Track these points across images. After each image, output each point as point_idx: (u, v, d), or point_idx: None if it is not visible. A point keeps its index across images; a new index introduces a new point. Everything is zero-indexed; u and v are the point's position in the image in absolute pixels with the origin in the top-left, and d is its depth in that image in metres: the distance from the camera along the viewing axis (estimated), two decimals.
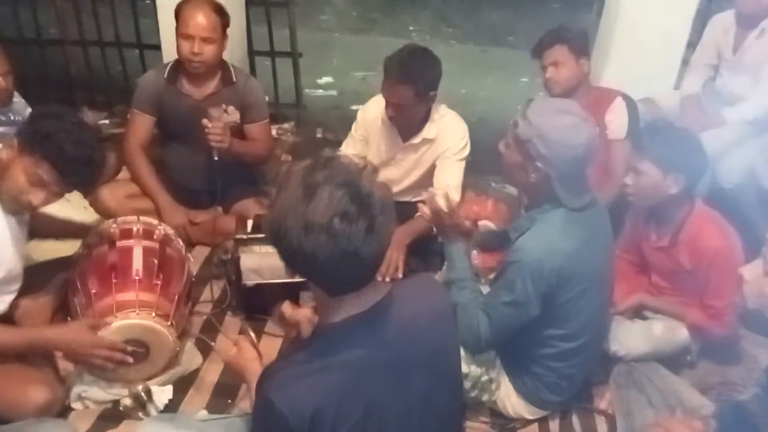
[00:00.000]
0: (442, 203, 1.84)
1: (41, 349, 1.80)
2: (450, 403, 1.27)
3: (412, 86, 2.20)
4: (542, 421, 1.91)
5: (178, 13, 2.40)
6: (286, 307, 1.48)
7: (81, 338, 1.73)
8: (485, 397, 1.84)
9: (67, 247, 2.26)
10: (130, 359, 1.80)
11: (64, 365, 1.89)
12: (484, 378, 1.81)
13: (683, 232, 1.95)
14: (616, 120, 2.42)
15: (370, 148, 2.56)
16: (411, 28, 6.12)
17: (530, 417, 1.89)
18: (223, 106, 2.51)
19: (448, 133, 2.41)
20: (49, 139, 1.64)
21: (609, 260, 1.82)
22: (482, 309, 1.68)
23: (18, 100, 2.60)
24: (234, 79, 2.56)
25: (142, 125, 2.59)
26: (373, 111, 2.49)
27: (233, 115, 2.54)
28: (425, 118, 2.39)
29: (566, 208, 1.63)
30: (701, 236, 1.91)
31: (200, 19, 2.35)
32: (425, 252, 2.42)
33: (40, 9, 3.79)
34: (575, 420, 1.93)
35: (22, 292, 1.97)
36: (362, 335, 1.11)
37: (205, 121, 2.36)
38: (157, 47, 3.68)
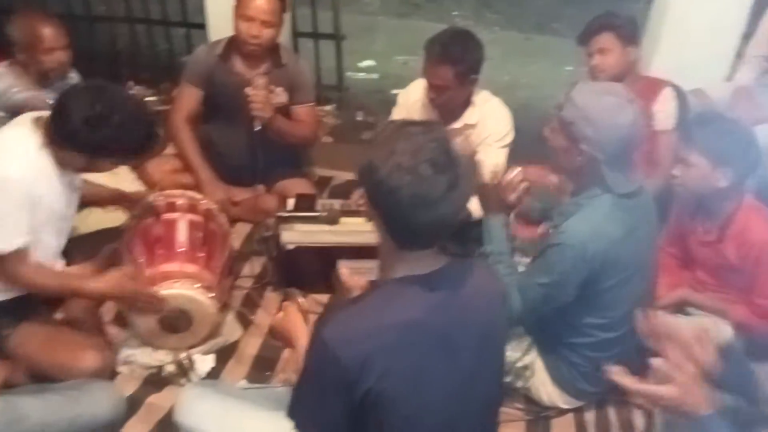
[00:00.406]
0: (488, 177, 1.84)
1: (90, 296, 1.86)
2: (492, 387, 1.30)
3: (453, 68, 2.19)
4: (577, 412, 1.90)
5: None
6: (345, 271, 1.49)
7: (124, 283, 1.78)
8: (520, 384, 1.85)
9: (115, 219, 2.33)
10: (162, 336, 1.86)
11: (113, 331, 1.96)
12: (520, 364, 1.82)
13: (731, 227, 1.90)
14: (664, 110, 2.37)
15: None
16: (454, 13, 6.06)
17: (565, 406, 1.88)
18: (272, 86, 2.51)
19: (490, 119, 2.39)
20: (110, 146, 1.69)
21: (653, 251, 1.80)
22: (517, 286, 1.68)
23: (74, 75, 2.67)
24: (284, 61, 2.57)
25: (189, 98, 2.62)
26: (414, 94, 2.49)
27: (281, 96, 2.55)
28: (466, 103, 2.38)
29: (613, 194, 1.62)
30: (750, 231, 1.86)
31: (262, 2, 2.36)
32: (463, 236, 2.42)
33: None
34: (612, 412, 1.92)
35: (72, 262, 2.05)
36: (419, 297, 1.15)
37: (248, 89, 2.37)
38: (203, 26, 3.74)
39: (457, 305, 1.19)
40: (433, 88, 2.26)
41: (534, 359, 1.84)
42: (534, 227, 2.21)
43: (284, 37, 3.45)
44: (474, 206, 2.24)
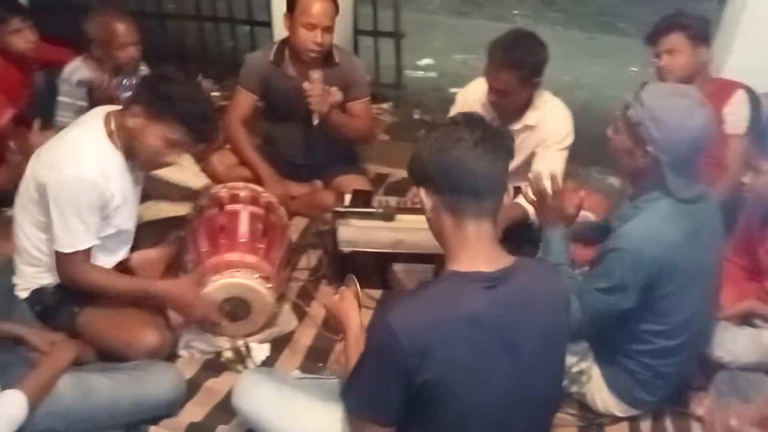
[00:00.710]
0: (547, 185, 1.82)
1: (150, 299, 1.91)
2: (550, 389, 1.31)
3: (517, 72, 2.16)
4: (633, 421, 1.85)
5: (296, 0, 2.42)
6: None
7: (185, 295, 1.86)
8: (574, 389, 1.82)
9: (180, 209, 2.42)
10: (223, 323, 1.92)
11: (175, 315, 2.04)
12: (575, 369, 1.79)
13: None
14: (736, 113, 2.28)
15: None
16: (515, 12, 5.99)
17: (620, 414, 1.84)
18: (326, 87, 2.52)
19: (550, 120, 2.35)
20: (175, 102, 1.74)
21: (717, 259, 1.73)
22: (576, 294, 1.66)
23: (144, 68, 2.80)
24: (337, 60, 2.59)
25: (244, 102, 2.68)
26: (473, 94, 2.47)
27: (336, 95, 2.57)
28: (527, 104, 2.35)
29: (674, 198, 1.57)
30: None
31: (324, 9, 2.38)
32: (519, 239, 2.40)
33: None
34: (668, 423, 1.86)
35: (138, 247, 2.15)
36: (485, 293, 1.17)
37: (305, 84, 2.41)
38: (267, 24, 3.83)
39: (521, 305, 1.20)
40: (495, 91, 2.24)
41: (590, 365, 1.81)
42: (590, 247, 2.14)
43: (345, 35, 3.51)
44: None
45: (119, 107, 1.87)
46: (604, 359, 1.80)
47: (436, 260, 2.13)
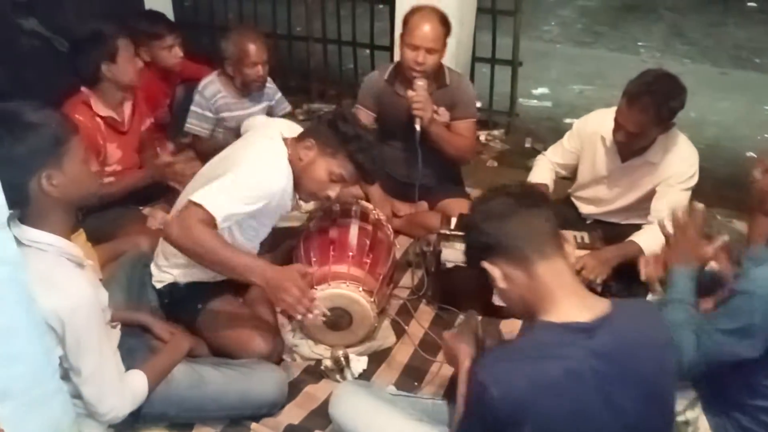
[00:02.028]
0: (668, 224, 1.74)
1: (250, 276, 1.75)
2: None
3: (653, 117, 2.08)
4: None
5: (406, 22, 2.52)
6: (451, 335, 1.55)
7: (284, 273, 1.73)
8: None
9: (293, 220, 2.55)
10: (318, 312, 1.76)
11: (282, 320, 2.15)
12: (681, 418, 1.68)
13: None
14: None
15: (582, 162, 2.49)
16: (640, 44, 5.78)
17: None
18: (434, 107, 2.58)
19: (675, 159, 2.25)
20: (350, 141, 1.89)
21: None
22: (694, 331, 1.56)
23: (270, 85, 2.99)
24: (447, 82, 2.64)
25: (362, 119, 2.79)
26: (593, 125, 2.42)
27: (443, 116, 2.62)
28: (652, 141, 2.27)
29: None
30: None
31: (427, 30, 2.45)
32: (630, 278, 2.30)
33: (293, 9, 4.30)
34: None
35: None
36: (581, 345, 1.14)
37: (409, 91, 2.48)
38: (387, 48, 3.98)
39: (621, 354, 1.15)
40: (624, 133, 2.16)
41: (698, 416, 1.69)
42: (711, 298, 2.01)
43: (463, 62, 3.56)
44: (648, 245, 2.13)
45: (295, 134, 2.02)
46: (715, 411, 1.67)
47: None
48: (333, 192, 1.94)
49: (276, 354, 1.99)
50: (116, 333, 1.74)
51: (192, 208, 1.72)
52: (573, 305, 1.17)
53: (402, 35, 2.53)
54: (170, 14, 3.57)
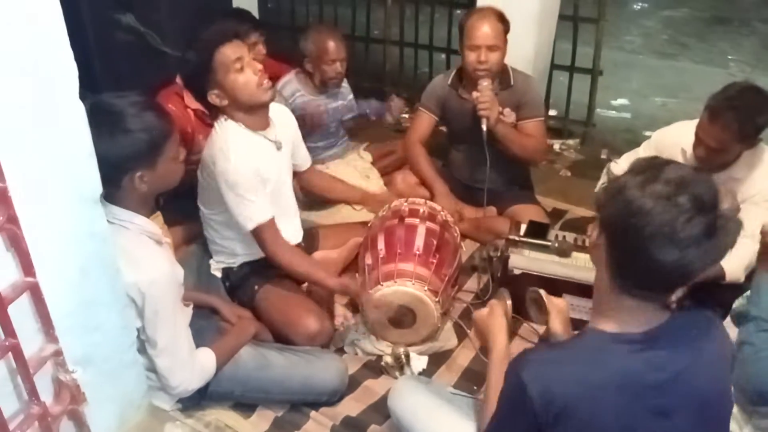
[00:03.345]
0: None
1: (322, 287, 2.09)
2: None
3: (737, 132, 1.97)
4: None
5: (463, 26, 2.51)
6: (543, 292, 1.47)
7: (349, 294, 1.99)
8: None
9: (362, 216, 2.60)
10: (387, 328, 1.99)
11: (343, 313, 2.18)
12: None
13: None
14: None
15: None
16: (729, 57, 5.50)
17: None
18: (500, 108, 2.55)
19: (760, 175, 2.12)
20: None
21: None
22: None
23: (345, 86, 3.05)
24: (512, 82, 2.61)
25: (424, 122, 2.80)
26: (673, 137, 2.32)
27: (509, 116, 2.59)
28: (736, 156, 2.16)
29: None
30: None
31: (485, 29, 2.44)
32: (707, 297, 2.19)
33: (372, 12, 4.37)
34: None
35: (322, 247, 2.34)
36: (633, 357, 1.08)
37: (474, 92, 2.46)
38: None
39: (676, 370, 1.08)
40: (706, 148, 2.06)
41: None
42: None
43: (543, 69, 3.51)
44: (731, 267, 2.03)
45: None
46: None
47: None
48: (247, 77, 1.88)
49: (324, 335, 2.01)
50: (188, 311, 1.83)
51: (256, 232, 1.96)
52: (631, 317, 1.10)
53: (461, 40, 2.53)
54: (255, 14, 3.70)
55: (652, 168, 1.04)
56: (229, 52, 1.86)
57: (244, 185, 1.91)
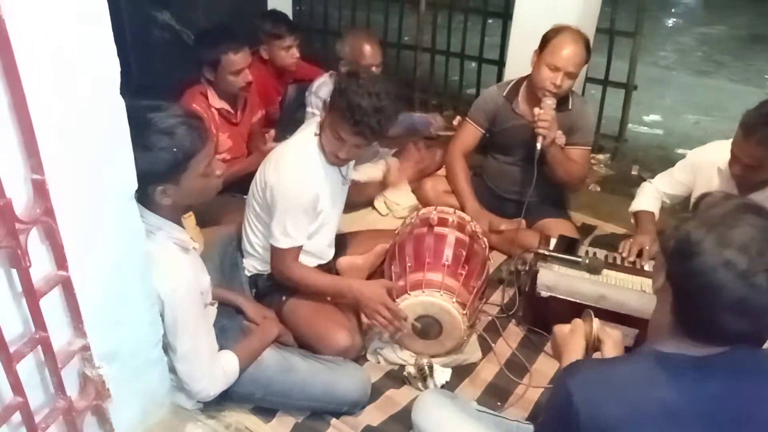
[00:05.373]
0: None
1: (343, 295, 2.02)
2: None
3: None
4: None
5: (549, 39, 2.44)
6: (597, 321, 1.41)
7: (375, 293, 1.93)
8: None
9: (387, 221, 2.57)
10: (406, 329, 1.96)
11: (368, 322, 2.16)
12: None
13: None
14: None
15: (696, 193, 2.34)
16: (766, 77, 5.40)
17: None
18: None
19: None
20: (342, 94, 1.83)
21: None
22: None
23: None
24: (570, 106, 2.57)
25: (470, 135, 2.77)
26: (710, 156, 2.27)
27: (560, 139, 2.56)
28: None
29: None
30: None
31: (572, 55, 2.38)
32: None
33: (405, 19, 4.35)
34: None
35: (347, 253, 2.31)
36: (688, 382, 1.04)
37: (536, 109, 2.42)
38: (495, 62, 3.94)
39: (735, 398, 1.04)
40: (742, 166, 2.02)
41: None
42: None
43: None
44: None
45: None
46: None
47: (640, 325, 1.98)
48: (341, 151, 1.91)
49: (354, 350, 2.00)
50: (213, 311, 1.81)
51: (276, 251, 1.99)
52: (689, 343, 1.06)
53: (541, 53, 2.46)
54: (289, 16, 3.71)
55: (725, 225, 0.99)
56: None
57: (303, 206, 1.95)
